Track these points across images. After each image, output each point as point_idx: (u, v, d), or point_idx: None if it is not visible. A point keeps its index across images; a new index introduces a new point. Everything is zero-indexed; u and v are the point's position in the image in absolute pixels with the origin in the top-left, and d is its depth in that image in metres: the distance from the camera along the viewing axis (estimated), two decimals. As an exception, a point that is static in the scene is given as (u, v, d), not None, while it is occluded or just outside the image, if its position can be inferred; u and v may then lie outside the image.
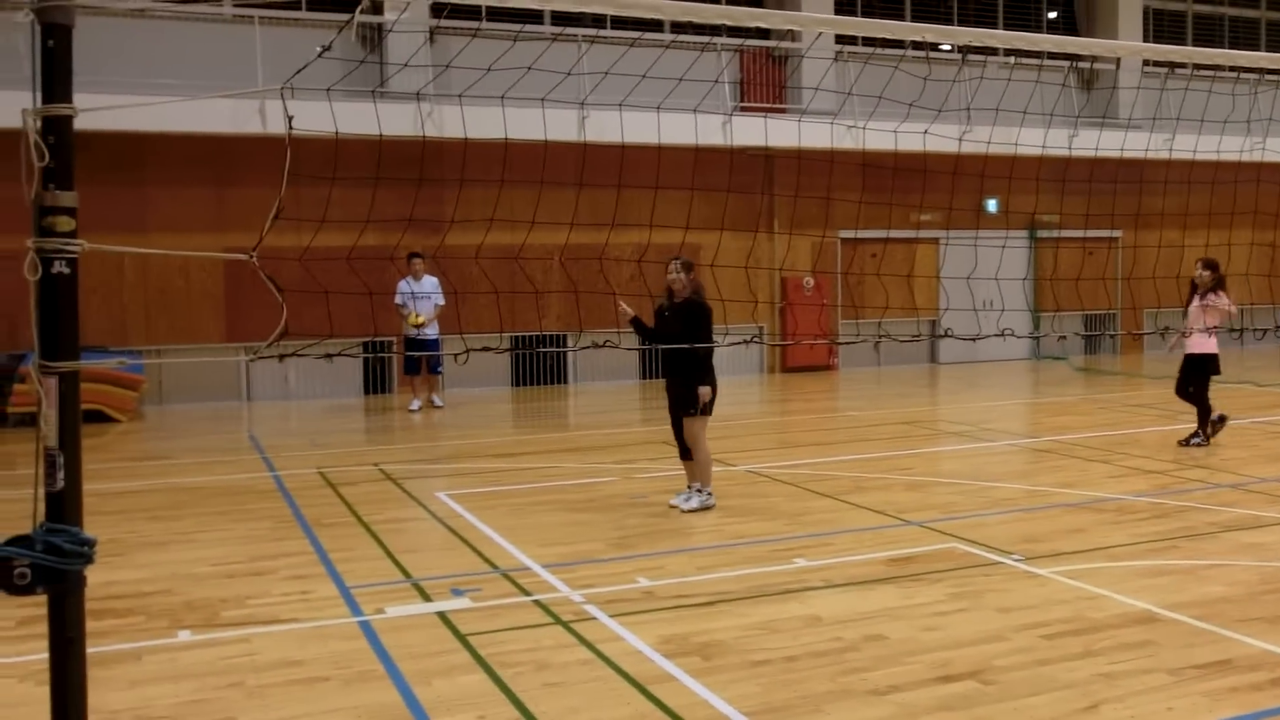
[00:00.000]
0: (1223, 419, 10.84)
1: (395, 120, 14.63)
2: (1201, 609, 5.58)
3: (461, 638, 5.33)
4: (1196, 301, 10.89)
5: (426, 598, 6.03)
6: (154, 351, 15.00)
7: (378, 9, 16.36)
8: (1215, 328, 10.77)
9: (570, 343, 16.46)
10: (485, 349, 4.88)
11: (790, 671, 4.84)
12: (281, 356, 3.77)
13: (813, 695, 4.57)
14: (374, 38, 16.19)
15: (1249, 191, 14.51)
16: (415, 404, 14.44)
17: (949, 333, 6.75)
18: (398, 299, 14.19)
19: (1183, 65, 18.66)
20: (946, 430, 12.52)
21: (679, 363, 8.06)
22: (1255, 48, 22.53)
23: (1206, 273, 10.86)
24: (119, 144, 14.25)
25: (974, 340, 6.32)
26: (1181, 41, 21.95)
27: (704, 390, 7.91)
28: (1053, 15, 21.12)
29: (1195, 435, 10.75)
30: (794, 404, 15.46)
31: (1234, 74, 18.07)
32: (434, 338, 14.27)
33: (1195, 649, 5.04)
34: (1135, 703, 4.45)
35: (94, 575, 2.76)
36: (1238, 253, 13.87)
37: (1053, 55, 19.23)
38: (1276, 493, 8.50)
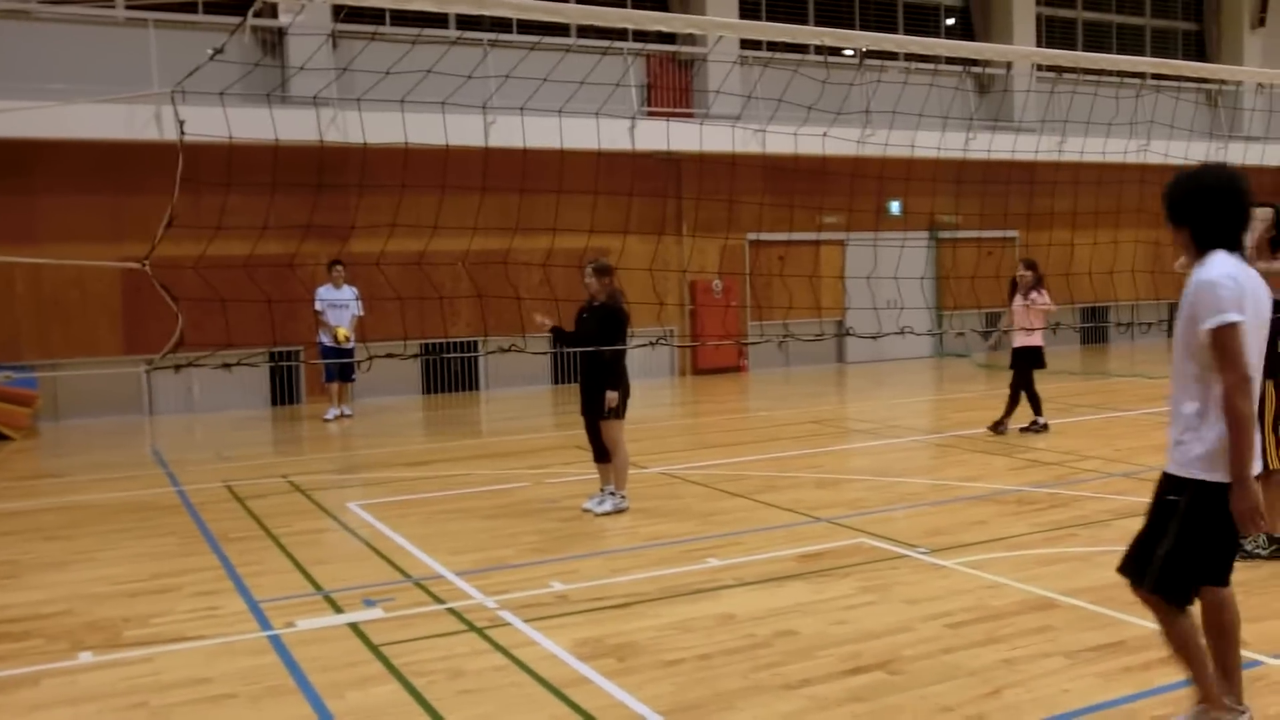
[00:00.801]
0: (1045, 426, 11.31)
1: (297, 125, 14.38)
2: (1096, 594, 5.78)
3: (374, 648, 5.28)
4: (1019, 300, 11.38)
5: (338, 609, 5.95)
6: (48, 365, 14.50)
7: (275, 12, 16.05)
8: (1038, 327, 11.29)
9: (480, 349, 16.35)
10: (390, 355, 4.85)
11: (704, 669, 4.90)
12: (178, 367, 3.70)
13: (726, 692, 4.63)
14: (275, 41, 15.89)
15: (1134, 191, 15.04)
16: (331, 413, 14.23)
17: (850, 331, 6.90)
18: (318, 305, 14.01)
19: (1072, 70, 19.33)
20: (855, 428, 12.76)
21: (592, 366, 8.09)
22: (1141, 53, 23.40)
23: (1028, 273, 11.36)
24: (7, 151, 13.76)
25: (874, 338, 6.47)
26: (1072, 47, 22.70)
27: (610, 395, 7.95)
28: (950, 22, 21.65)
29: (999, 425, 11.20)
30: (705, 406, 15.60)
31: (1119, 78, 18.76)
32: (350, 345, 14.12)
33: (1090, 632, 5.23)
34: (1035, 686, 4.60)
35: (-15, 597, 2.68)
36: (1124, 250, 14.40)
37: (949, 60, 19.73)
38: (1166, 480, 8.83)
